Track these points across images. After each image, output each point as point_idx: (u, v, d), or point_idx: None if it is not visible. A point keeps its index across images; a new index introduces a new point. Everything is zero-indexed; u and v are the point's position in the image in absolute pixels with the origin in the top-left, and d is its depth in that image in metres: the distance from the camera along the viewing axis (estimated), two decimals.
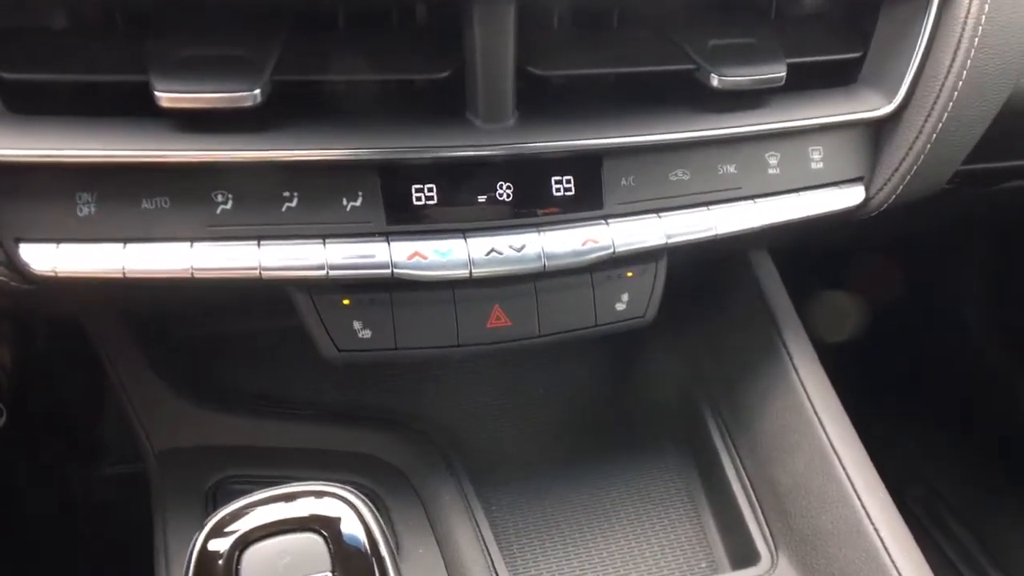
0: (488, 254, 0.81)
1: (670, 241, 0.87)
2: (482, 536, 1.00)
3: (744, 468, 1.07)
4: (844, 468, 0.94)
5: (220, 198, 0.78)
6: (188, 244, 0.77)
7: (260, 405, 1.10)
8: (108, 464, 1.48)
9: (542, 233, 0.83)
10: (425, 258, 0.80)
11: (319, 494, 0.71)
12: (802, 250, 1.24)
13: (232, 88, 0.73)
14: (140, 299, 0.98)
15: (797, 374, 1.03)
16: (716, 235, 0.88)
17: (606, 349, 1.21)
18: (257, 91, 0.73)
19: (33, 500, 1.40)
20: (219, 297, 0.89)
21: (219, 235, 0.78)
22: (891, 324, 1.87)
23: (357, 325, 0.85)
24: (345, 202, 0.79)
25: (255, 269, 0.77)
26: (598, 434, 1.18)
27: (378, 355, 0.85)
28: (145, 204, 0.77)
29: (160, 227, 0.77)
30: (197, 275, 0.77)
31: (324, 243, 0.79)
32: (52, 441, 1.44)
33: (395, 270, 0.79)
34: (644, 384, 1.22)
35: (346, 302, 0.84)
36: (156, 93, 0.72)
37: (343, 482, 1.01)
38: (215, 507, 0.96)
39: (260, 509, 0.69)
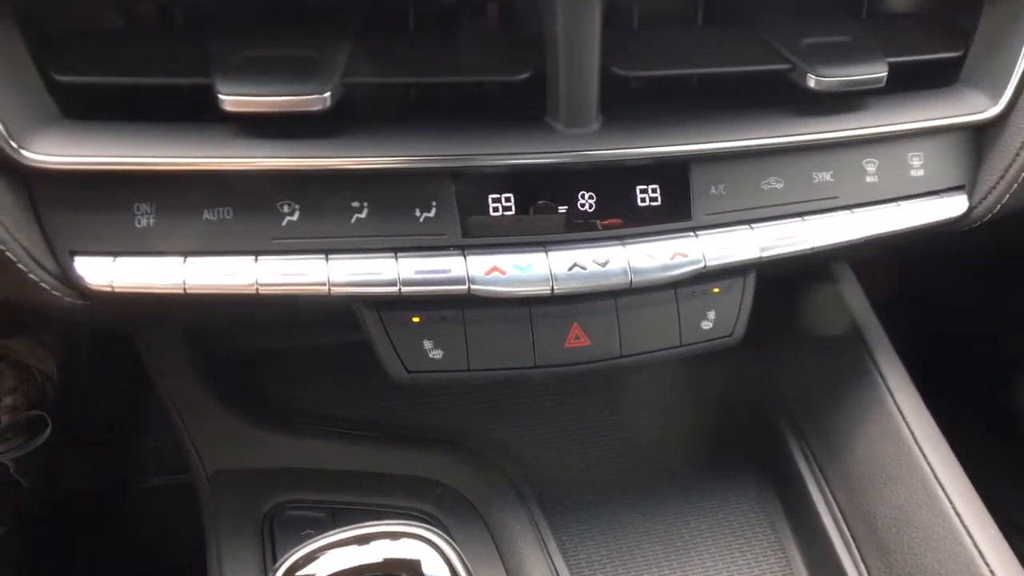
0: (571, 269, 0.75)
1: (764, 255, 0.80)
2: (555, 568, 0.93)
3: (836, 499, 0.99)
4: (951, 501, 0.86)
5: (286, 209, 0.73)
6: (252, 258, 0.72)
7: (316, 424, 1.05)
8: (154, 475, 1.45)
9: (627, 246, 0.77)
10: (504, 273, 0.74)
11: (395, 535, 0.65)
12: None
13: (301, 91, 0.69)
14: (198, 314, 0.94)
15: (893, 398, 0.95)
16: (813, 248, 0.82)
17: (676, 365, 1.14)
18: (328, 94, 0.69)
19: (79, 512, 1.36)
20: (280, 312, 0.84)
21: (285, 248, 0.73)
22: (946, 319, 1.78)
23: (428, 344, 0.79)
24: (418, 213, 0.74)
25: (323, 285, 0.72)
26: (670, 457, 1.11)
27: (450, 376, 0.80)
28: (207, 215, 0.72)
29: (223, 239, 0.72)
30: (263, 291, 0.72)
31: (396, 257, 0.73)
32: (97, 452, 1.40)
33: (472, 286, 0.74)
34: (720, 406, 1.15)
35: (416, 320, 0.78)
36: (220, 96, 0.68)
37: (404, 508, 0.97)
38: (271, 534, 0.92)
39: (332, 553, 0.63)
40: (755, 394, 1.13)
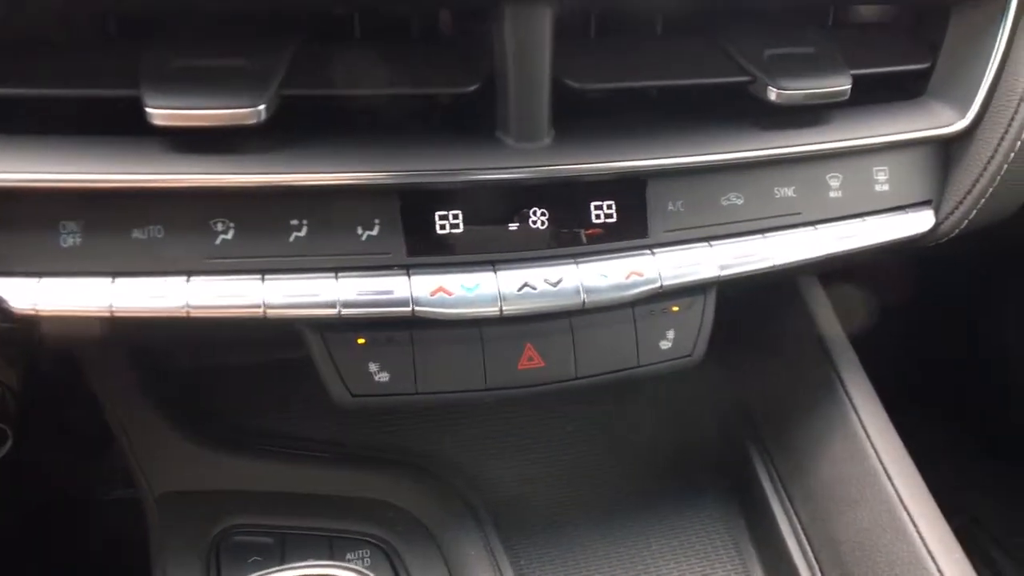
0: (521, 289, 0.72)
1: (723, 273, 0.77)
2: None
3: (800, 521, 0.97)
4: (916, 525, 0.83)
5: (220, 227, 0.69)
6: (184, 278, 0.69)
7: (268, 444, 1.01)
8: (116, 488, 1.40)
9: (580, 265, 0.74)
10: (450, 294, 0.71)
11: None
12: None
13: (233, 104, 0.65)
14: (136, 333, 0.90)
15: (858, 416, 0.93)
16: (774, 266, 0.79)
17: (644, 382, 1.11)
18: (262, 107, 0.65)
19: (39, 525, 1.31)
20: (224, 331, 0.80)
21: (219, 268, 0.69)
22: (925, 344, 1.77)
23: (373, 367, 0.76)
24: (360, 231, 0.71)
25: (259, 307, 0.69)
26: (634, 476, 1.08)
27: (397, 400, 0.76)
28: (136, 234, 0.68)
29: (153, 259, 0.69)
30: (193, 313, 0.68)
31: (336, 277, 0.70)
32: (58, 465, 1.36)
33: (416, 308, 0.70)
34: (684, 422, 1.12)
35: (361, 341, 0.75)
36: (147, 109, 0.64)
37: (356, 533, 0.94)
38: (218, 561, 0.88)
39: None
40: (722, 411, 1.10)
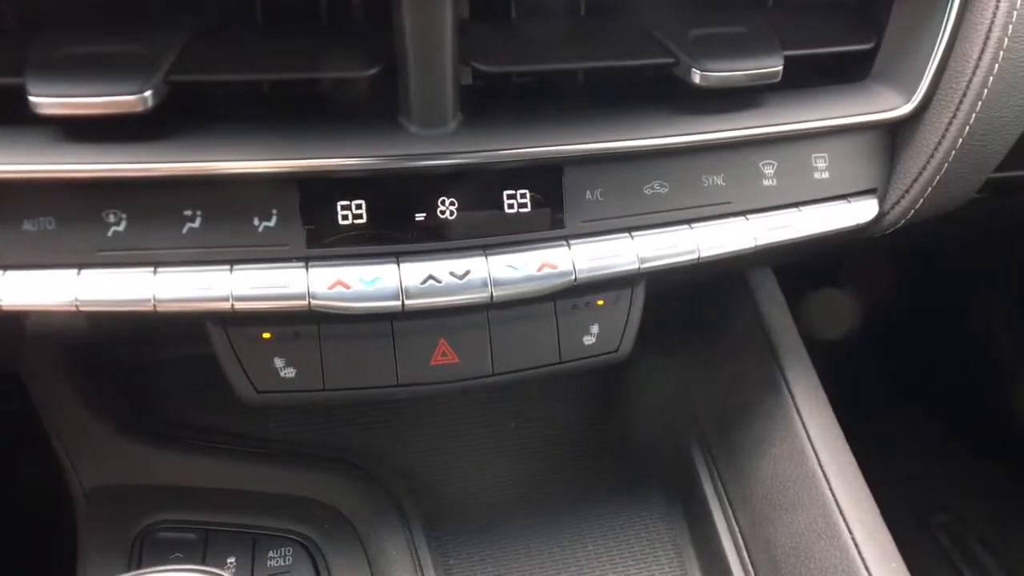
0: (424, 282, 0.69)
1: (644, 266, 0.74)
2: None
3: (738, 523, 0.93)
4: (851, 532, 0.80)
5: (112, 218, 0.67)
6: (75, 271, 0.67)
7: (199, 439, 1.00)
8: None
9: (490, 257, 0.71)
10: (348, 287, 0.68)
11: None
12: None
13: (119, 90, 0.63)
14: (60, 328, 0.89)
15: (799, 415, 0.89)
16: (700, 258, 0.76)
17: (586, 378, 1.08)
18: (148, 93, 0.63)
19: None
20: (126, 324, 0.78)
21: (110, 261, 0.67)
22: (912, 342, 1.72)
23: (279, 363, 0.73)
24: (257, 222, 0.68)
25: (149, 301, 0.66)
26: (575, 474, 1.05)
27: (304, 397, 0.74)
28: (27, 226, 0.66)
29: (43, 252, 0.67)
30: (83, 308, 0.66)
31: (231, 270, 0.68)
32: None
33: (313, 302, 0.68)
34: (629, 420, 1.09)
35: (266, 336, 0.73)
36: (31, 98, 0.62)
37: (281, 531, 0.92)
38: (140, 557, 0.87)
39: None
40: (668, 409, 1.07)
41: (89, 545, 0.90)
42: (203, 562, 0.86)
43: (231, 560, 0.87)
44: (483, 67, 0.70)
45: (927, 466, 1.73)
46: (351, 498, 0.95)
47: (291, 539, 0.90)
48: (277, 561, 0.88)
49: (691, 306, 1.03)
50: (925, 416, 1.80)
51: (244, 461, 0.97)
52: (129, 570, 0.86)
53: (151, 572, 0.57)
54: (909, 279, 1.69)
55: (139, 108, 0.63)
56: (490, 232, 0.72)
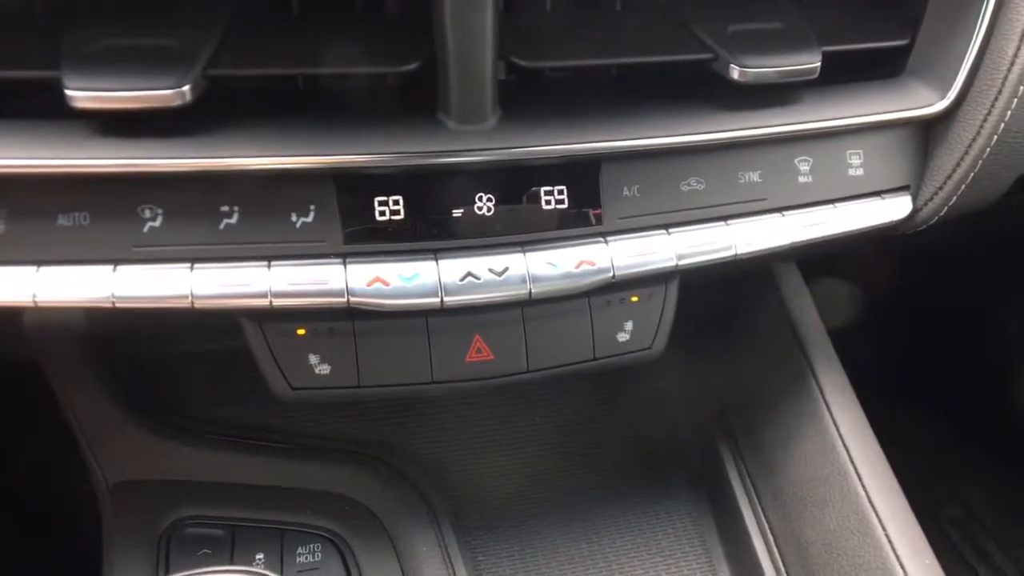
0: (463, 279, 0.69)
1: (681, 263, 0.74)
2: None
3: (768, 520, 0.93)
4: (884, 528, 0.80)
5: (148, 214, 0.66)
6: (111, 267, 0.66)
7: (224, 434, 0.99)
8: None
9: (528, 254, 0.71)
10: (387, 284, 0.68)
11: None
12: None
13: (157, 85, 0.62)
14: (85, 322, 0.88)
15: (829, 412, 0.89)
16: (736, 255, 0.75)
17: (612, 372, 1.08)
18: (186, 88, 0.62)
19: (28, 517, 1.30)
20: (163, 320, 0.77)
21: (146, 257, 0.66)
22: (921, 331, 1.72)
23: (314, 359, 0.73)
24: (295, 218, 0.67)
25: (186, 297, 0.66)
26: (601, 472, 1.05)
27: (339, 393, 0.74)
28: (62, 221, 0.66)
29: (78, 247, 0.66)
30: (119, 304, 0.65)
31: (269, 266, 0.67)
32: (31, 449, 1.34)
33: (352, 299, 0.67)
34: (654, 415, 1.09)
35: (301, 332, 0.72)
36: (67, 92, 0.61)
37: (309, 527, 0.92)
38: (167, 554, 0.86)
39: None
40: (694, 405, 1.07)
41: (115, 541, 0.89)
42: (231, 558, 0.85)
43: (260, 556, 0.87)
44: (522, 62, 0.69)
45: (936, 459, 1.73)
46: (379, 494, 0.95)
47: (320, 535, 0.90)
48: (306, 557, 0.88)
49: (714, 299, 1.02)
50: (934, 409, 1.80)
51: (271, 456, 0.97)
52: (157, 567, 0.86)
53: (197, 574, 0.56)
54: (918, 272, 1.69)
55: (177, 103, 0.62)
56: (528, 228, 0.71)
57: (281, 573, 0.86)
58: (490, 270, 0.69)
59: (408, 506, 0.94)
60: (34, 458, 1.15)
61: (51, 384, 0.98)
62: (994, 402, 1.77)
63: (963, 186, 0.83)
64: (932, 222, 0.85)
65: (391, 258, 0.68)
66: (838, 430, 0.87)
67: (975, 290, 1.80)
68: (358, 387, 0.73)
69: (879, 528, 0.80)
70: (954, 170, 0.83)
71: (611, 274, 0.72)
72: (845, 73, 0.82)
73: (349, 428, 1.00)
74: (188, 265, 0.66)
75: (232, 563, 0.85)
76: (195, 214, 0.67)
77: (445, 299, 0.68)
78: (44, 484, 1.11)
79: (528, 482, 1.03)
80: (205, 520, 0.90)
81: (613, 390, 1.09)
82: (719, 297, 1.05)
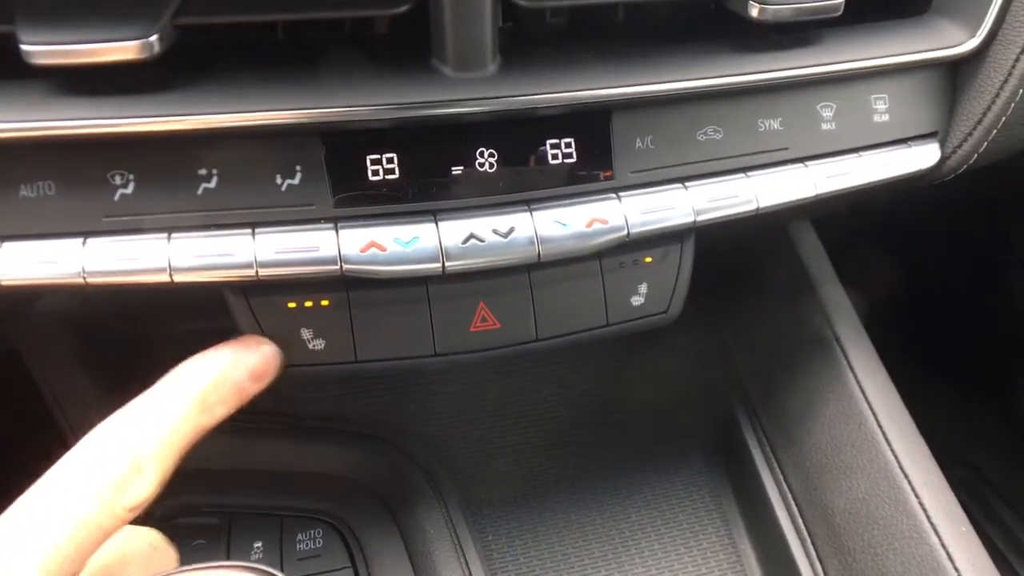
0: (466, 242, 0.63)
1: (700, 219, 0.68)
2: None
3: (791, 489, 0.89)
4: (916, 494, 0.76)
5: (119, 180, 0.60)
6: (80, 240, 0.60)
7: None
8: None
9: (535, 212, 0.65)
10: (384, 249, 0.62)
11: None
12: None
13: (121, 36, 0.56)
14: (60, 304, 0.82)
15: (853, 374, 0.84)
16: (758, 208, 0.70)
17: (624, 342, 1.03)
18: (154, 38, 0.56)
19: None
20: (150, 295, 0.72)
21: (118, 227, 0.61)
22: (925, 289, 1.68)
23: (307, 334, 0.68)
24: (280, 180, 0.62)
25: (164, 270, 0.60)
26: (613, 444, 1.01)
27: (336, 369, 0.69)
28: (24, 191, 0.60)
29: (44, 220, 0.60)
30: (91, 280, 0.60)
31: (253, 233, 0.61)
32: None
33: (345, 266, 0.62)
34: (669, 383, 1.04)
35: (292, 305, 0.67)
36: (23, 47, 0.55)
37: (310, 512, 0.87)
38: None
39: None
40: (709, 370, 1.02)
41: None
42: (228, 547, 0.81)
43: (258, 545, 0.83)
44: (524, 2, 0.63)
45: (943, 421, 1.70)
46: (383, 475, 0.90)
47: (321, 520, 0.85)
48: (307, 544, 0.83)
49: (728, 262, 0.97)
50: (939, 371, 1.77)
51: (267, 439, 0.92)
52: None
53: (206, 568, 0.51)
54: (921, 241, 1.65)
55: (144, 55, 0.56)
56: (534, 185, 0.66)
57: (280, 561, 0.81)
58: (495, 231, 0.64)
59: (414, 486, 0.90)
60: (20, 450, 1.10)
61: (32, 373, 0.92)
62: (1000, 362, 1.74)
63: (994, 131, 0.78)
64: (960, 171, 0.80)
65: (386, 221, 0.63)
66: (863, 392, 0.83)
67: (990, 246, 1.75)
68: (355, 362, 0.68)
69: (912, 496, 0.76)
70: (984, 114, 0.78)
71: (625, 232, 0.66)
72: (868, 12, 0.76)
73: (350, 407, 0.95)
74: (165, 235, 0.61)
75: (228, 553, 0.80)
76: (170, 179, 0.61)
77: (447, 264, 0.63)
78: (32, 476, 1.06)
79: (538, 457, 0.99)
80: (200, 508, 0.85)
81: (625, 359, 1.04)
82: (734, 260, 1.00)
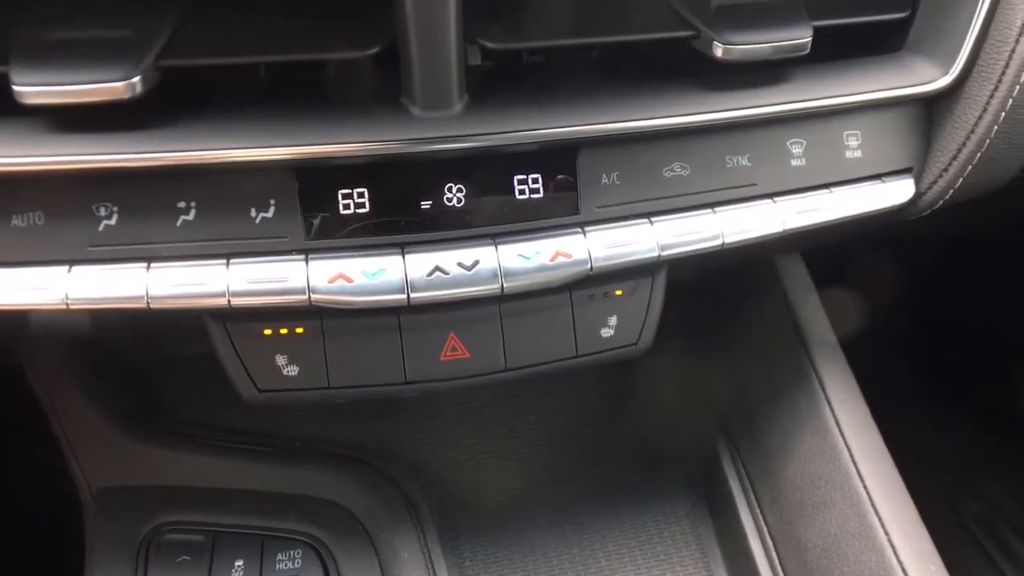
0: (431, 274, 0.66)
1: (664, 253, 0.70)
2: None
3: (766, 522, 0.89)
4: (887, 533, 0.75)
5: (103, 212, 0.64)
6: (66, 268, 0.64)
7: (209, 439, 0.97)
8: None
9: (500, 246, 0.67)
10: (351, 280, 0.64)
11: None
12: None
13: (107, 77, 0.59)
14: (63, 325, 0.86)
15: (830, 407, 0.84)
16: (724, 244, 0.71)
17: (608, 370, 1.04)
18: (136, 79, 0.60)
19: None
20: (133, 321, 0.75)
21: (102, 256, 0.64)
22: (940, 319, 1.66)
23: (281, 360, 0.70)
24: (254, 213, 0.65)
25: (141, 298, 0.63)
26: (597, 474, 1.01)
27: (308, 396, 0.71)
28: (16, 221, 0.63)
29: (33, 248, 0.64)
30: (73, 306, 0.63)
31: (228, 264, 0.64)
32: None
33: (313, 296, 0.64)
34: (652, 414, 1.05)
35: (268, 332, 0.69)
36: (15, 87, 0.59)
37: (291, 533, 0.89)
38: (147, 560, 0.84)
39: None
40: (692, 402, 1.02)
41: (96, 548, 0.87)
42: (211, 565, 0.83)
43: (239, 563, 0.85)
44: (489, 44, 0.66)
45: (957, 454, 1.67)
46: (363, 498, 0.92)
47: (301, 541, 0.87)
48: (286, 564, 0.85)
49: (713, 293, 0.98)
50: (953, 403, 1.74)
51: (254, 460, 0.94)
52: (136, 574, 0.84)
53: None
54: (931, 266, 1.63)
55: (127, 95, 0.60)
56: (500, 220, 0.68)
57: None
58: (459, 264, 0.66)
59: (391, 510, 0.91)
60: (19, 464, 1.15)
61: (34, 390, 0.96)
62: (1014, 394, 1.70)
63: (969, 167, 0.78)
64: (937, 207, 0.81)
65: (356, 253, 0.65)
66: (839, 426, 0.83)
67: (989, 281, 1.73)
68: (328, 388, 0.70)
69: (882, 533, 0.75)
70: (959, 150, 0.78)
71: (589, 266, 0.68)
72: (840, 50, 0.77)
73: (335, 430, 0.98)
74: (144, 264, 0.64)
75: (210, 570, 0.83)
76: (151, 211, 0.64)
77: (412, 295, 0.65)
78: (29, 490, 1.10)
79: (520, 484, 1.00)
80: (186, 526, 0.88)
81: (610, 389, 1.05)
82: (719, 292, 1.01)
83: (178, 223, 0.64)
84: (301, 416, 0.99)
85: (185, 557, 0.85)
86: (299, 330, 0.70)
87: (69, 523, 0.96)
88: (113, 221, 0.64)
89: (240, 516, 0.89)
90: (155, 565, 0.84)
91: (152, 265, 0.64)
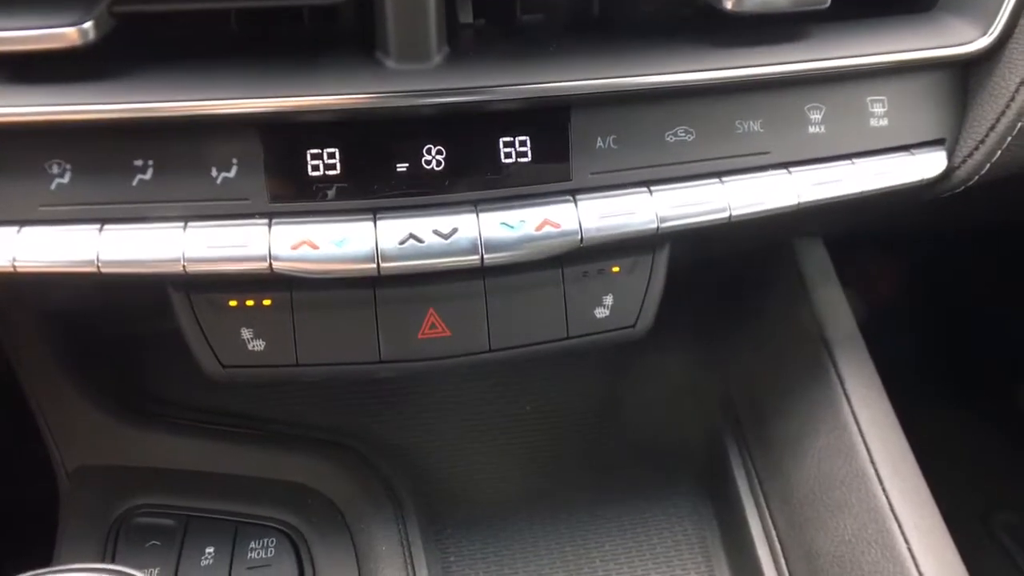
0: (404, 242, 0.60)
1: (664, 226, 0.63)
2: None
3: (775, 525, 0.82)
4: (907, 541, 0.68)
5: (56, 169, 0.59)
6: (15, 229, 0.59)
7: (190, 419, 0.93)
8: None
9: (481, 214, 0.61)
10: (316, 247, 0.59)
11: None
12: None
13: (56, 22, 0.55)
14: (38, 300, 0.83)
15: (848, 402, 0.77)
16: (731, 217, 0.65)
17: (611, 356, 0.98)
18: (88, 24, 0.55)
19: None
20: (96, 289, 0.71)
21: (54, 217, 0.60)
22: (974, 317, 1.57)
23: (247, 334, 0.65)
24: (215, 173, 0.60)
25: (91, 262, 0.59)
26: (595, 467, 0.95)
27: (275, 373, 0.66)
28: None
29: None
30: (20, 269, 0.59)
31: (185, 227, 0.59)
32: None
33: (275, 263, 0.59)
34: (656, 404, 0.98)
35: (233, 303, 0.65)
36: None
37: (267, 519, 0.85)
38: (115, 545, 0.81)
39: None
40: (699, 392, 0.96)
41: (67, 530, 0.84)
42: (180, 551, 0.79)
43: (209, 550, 0.80)
44: None
45: (987, 459, 1.58)
46: (343, 485, 0.87)
47: (275, 528, 0.83)
48: (259, 553, 0.81)
49: (724, 276, 0.91)
50: (983, 409, 1.65)
51: (233, 443, 0.90)
52: (104, 558, 0.80)
53: (56, 572, 0.49)
54: (968, 258, 1.54)
55: (80, 41, 0.55)
56: (483, 185, 0.62)
57: (230, 569, 0.79)
58: (436, 232, 0.60)
59: (372, 499, 0.86)
60: None
61: (11, 367, 0.93)
62: None
63: (1008, 138, 0.70)
64: (971, 183, 0.73)
65: (323, 218, 0.60)
66: (858, 423, 0.75)
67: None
68: (296, 366, 0.65)
69: (901, 540, 0.68)
70: (997, 120, 0.70)
71: (579, 237, 0.62)
72: (866, 7, 0.70)
73: (319, 412, 0.93)
74: (97, 226, 0.59)
75: (179, 556, 0.79)
76: (107, 169, 0.60)
77: (383, 265, 0.60)
78: (5, 468, 1.07)
79: (512, 476, 0.94)
80: (159, 509, 0.84)
81: (612, 376, 0.99)
82: (732, 275, 0.94)
83: (134, 182, 0.59)
84: (284, 398, 0.94)
85: (155, 542, 0.81)
86: (266, 302, 0.65)
87: (47, 502, 0.93)
88: (66, 179, 0.59)
89: (215, 500, 0.85)
90: (123, 551, 0.80)
91: (105, 227, 0.59)
